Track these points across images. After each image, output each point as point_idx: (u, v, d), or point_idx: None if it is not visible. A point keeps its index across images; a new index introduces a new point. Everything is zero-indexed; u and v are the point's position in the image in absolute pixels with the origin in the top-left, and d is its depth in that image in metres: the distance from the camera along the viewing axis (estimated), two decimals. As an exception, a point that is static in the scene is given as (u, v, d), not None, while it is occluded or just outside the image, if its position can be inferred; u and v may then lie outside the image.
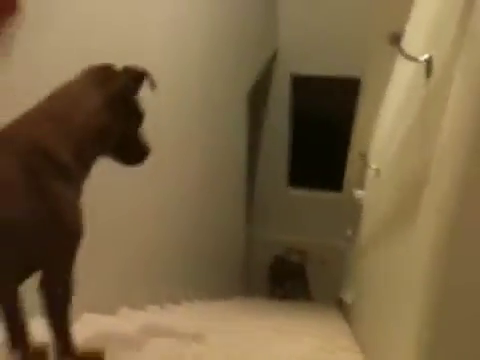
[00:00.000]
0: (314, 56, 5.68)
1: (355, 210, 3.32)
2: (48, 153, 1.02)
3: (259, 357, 1.52)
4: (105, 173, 1.71)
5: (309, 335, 2.11)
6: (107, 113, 1.17)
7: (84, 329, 1.34)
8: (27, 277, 1.10)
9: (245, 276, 5.49)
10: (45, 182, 1.01)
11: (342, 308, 3.80)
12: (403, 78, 1.33)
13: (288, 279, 5.68)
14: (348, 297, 3.23)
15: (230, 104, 4.32)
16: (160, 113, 2.58)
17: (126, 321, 2.00)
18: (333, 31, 5.40)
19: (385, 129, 1.72)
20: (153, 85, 1.24)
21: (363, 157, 2.01)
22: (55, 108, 1.11)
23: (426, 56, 0.90)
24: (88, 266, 1.65)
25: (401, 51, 0.93)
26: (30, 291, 1.21)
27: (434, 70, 0.88)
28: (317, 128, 6.15)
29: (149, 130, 1.35)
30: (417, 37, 1.05)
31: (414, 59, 0.93)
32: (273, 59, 5.70)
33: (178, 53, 2.90)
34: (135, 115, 1.27)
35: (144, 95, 1.29)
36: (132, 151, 1.28)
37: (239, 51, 4.31)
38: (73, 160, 1.07)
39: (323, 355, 1.77)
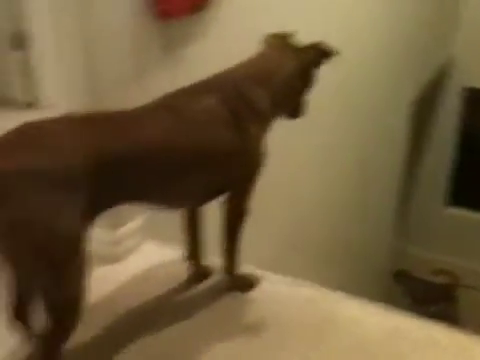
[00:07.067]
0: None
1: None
2: (250, 101, 1.32)
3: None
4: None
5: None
6: (298, 76, 1.44)
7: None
8: (214, 197, 1.39)
9: (387, 288, 5.37)
10: (244, 123, 1.30)
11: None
12: None
13: (433, 302, 5.33)
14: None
15: (390, 113, 4.29)
16: (321, 112, 2.81)
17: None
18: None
19: None
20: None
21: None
22: (257, 66, 1.41)
23: None
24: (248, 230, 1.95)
25: None
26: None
27: None
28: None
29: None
30: None
31: None
32: (446, 69, 5.45)
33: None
34: (310, 85, 1.51)
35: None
36: (297, 108, 1.55)
37: (406, 58, 4.26)
38: (269, 109, 1.36)
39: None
